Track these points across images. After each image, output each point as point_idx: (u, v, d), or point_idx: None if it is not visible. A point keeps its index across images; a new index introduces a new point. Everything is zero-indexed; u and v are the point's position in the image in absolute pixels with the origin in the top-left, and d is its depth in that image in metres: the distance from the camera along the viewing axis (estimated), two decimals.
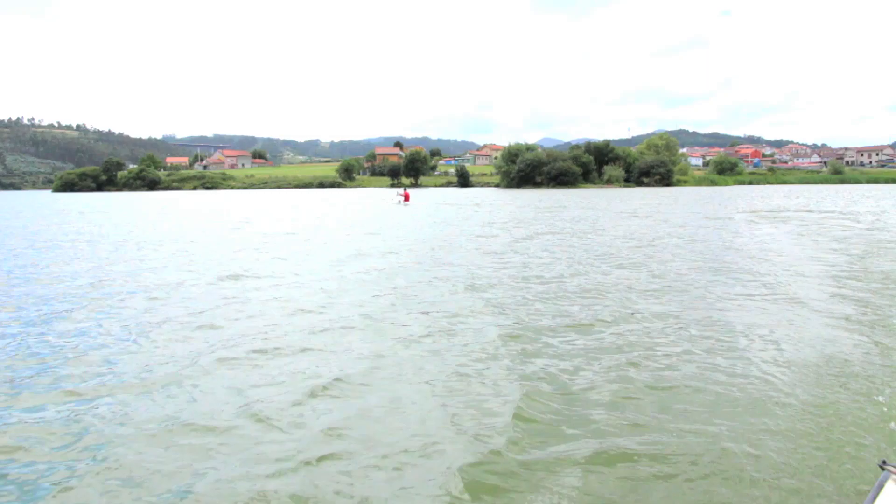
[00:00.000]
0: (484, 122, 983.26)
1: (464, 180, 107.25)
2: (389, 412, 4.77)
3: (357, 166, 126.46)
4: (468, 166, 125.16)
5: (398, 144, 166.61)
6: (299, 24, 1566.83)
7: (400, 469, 3.89)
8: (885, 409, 4.66)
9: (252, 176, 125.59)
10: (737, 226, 22.64)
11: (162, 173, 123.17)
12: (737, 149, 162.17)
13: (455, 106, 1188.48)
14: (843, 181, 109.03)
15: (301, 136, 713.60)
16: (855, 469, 3.80)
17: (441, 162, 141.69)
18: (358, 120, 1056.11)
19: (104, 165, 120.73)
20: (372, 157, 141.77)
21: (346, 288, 10.02)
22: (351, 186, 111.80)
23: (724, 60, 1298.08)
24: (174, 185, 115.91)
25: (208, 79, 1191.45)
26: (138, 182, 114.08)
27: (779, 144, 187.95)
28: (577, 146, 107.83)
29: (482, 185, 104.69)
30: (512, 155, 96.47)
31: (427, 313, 8.08)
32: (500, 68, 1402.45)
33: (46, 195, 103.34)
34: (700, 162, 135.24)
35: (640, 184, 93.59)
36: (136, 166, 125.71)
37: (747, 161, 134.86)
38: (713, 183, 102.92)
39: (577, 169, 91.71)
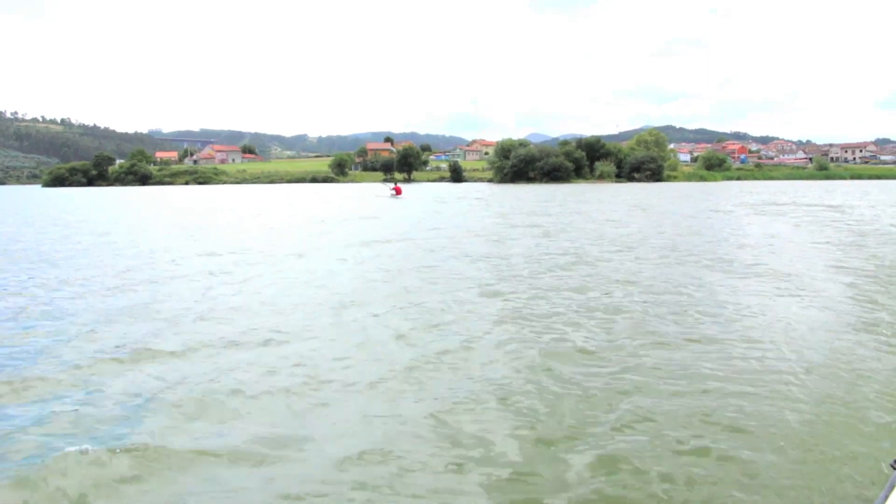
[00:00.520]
0: (472, 118, 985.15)
1: (457, 175, 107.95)
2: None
3: (349, 161, 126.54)
4: (459, 162, 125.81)
5: (389, 140, 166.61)
6: (287, 18, 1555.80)
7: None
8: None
9: (244, 171, 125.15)
10: (761, 219, 23.63)
11: (153, 168, 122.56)
12: (724, 145, 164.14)
13: (442, 102, 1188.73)
14: (828, 177, 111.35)
15: (288, 131, 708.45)
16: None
17: (431, 157, 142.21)
18: (345, 115, 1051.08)
19: (94, 160, 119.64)
20: (363, 152, 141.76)
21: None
22: (344, 181, 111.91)
23: (713, 58, 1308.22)
24: (166, 179, 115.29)
25: (192, 73, 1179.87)
26: (130, 177, 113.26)
27: (764, 141, 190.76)
28: (565, 142, 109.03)
29: (475, 181, 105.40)
30: (505, 150, 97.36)
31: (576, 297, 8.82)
32: (487, 65, 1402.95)
33: (35, 190, 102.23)
34: (688, 158, 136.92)
35: (631, 179, 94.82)
36: (126, 161, 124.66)
37: (734, 157, 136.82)
38: (702, 178, 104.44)
39: (569, 164, 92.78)
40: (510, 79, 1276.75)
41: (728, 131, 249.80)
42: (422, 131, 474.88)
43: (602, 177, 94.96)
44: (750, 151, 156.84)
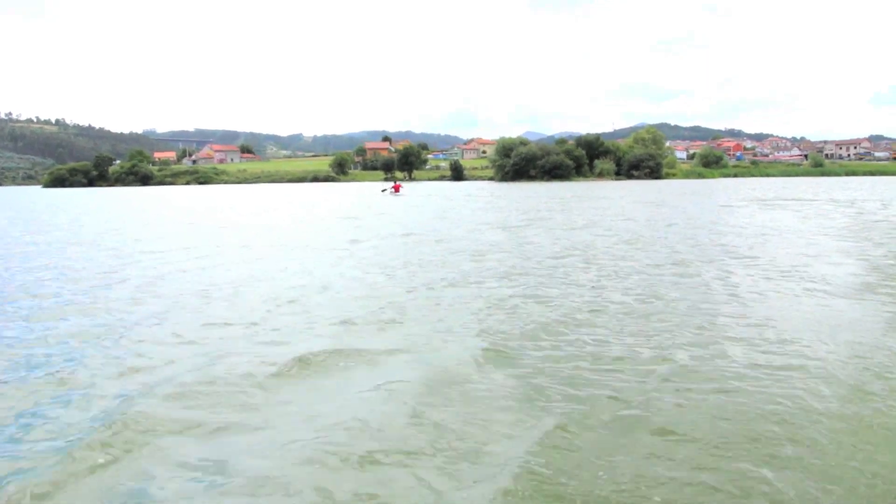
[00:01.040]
0: (466, 116, 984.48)
1: (458, 174, 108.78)
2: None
3: (349, 161, 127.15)
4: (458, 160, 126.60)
5: (386, 139, 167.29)
6: (280, 17, 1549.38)
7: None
8: None
9: (244, 170, 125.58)
10: (783, 214, 24.52)
11: (153, 168, 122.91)
12: (719, 142, 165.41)
13: (437, 101, 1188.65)
14: (823, 174, 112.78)
15: (283, 131, 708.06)
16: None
17: (429, 157, 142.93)
18: (340, 114, 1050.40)
19: (95, 160, 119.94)
20: (361, 151, 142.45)
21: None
22: (345, 181, 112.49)
23: (708, 56, 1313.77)
24: (167, 180, 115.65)
25: (185, 72, 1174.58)
26: (131, 177, 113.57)
27: (759, 138, 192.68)
28: (562, 140, 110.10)
29: (476, 179, 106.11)
30: (506, 149, 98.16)
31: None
32: (481, 64, 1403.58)
33: (36, 191, 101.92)
34: (684, 155, 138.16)
35: (630, 177, 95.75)
36: (126, 161, 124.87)
37: (730, 154, 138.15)
38: (701, 176, 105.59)
39: (570, 163, 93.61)
40: (505, 77, 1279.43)
41: (723, 128, 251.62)
42: (417, 130, 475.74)
43: (602, 175, 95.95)
44: (745, 149, 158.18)
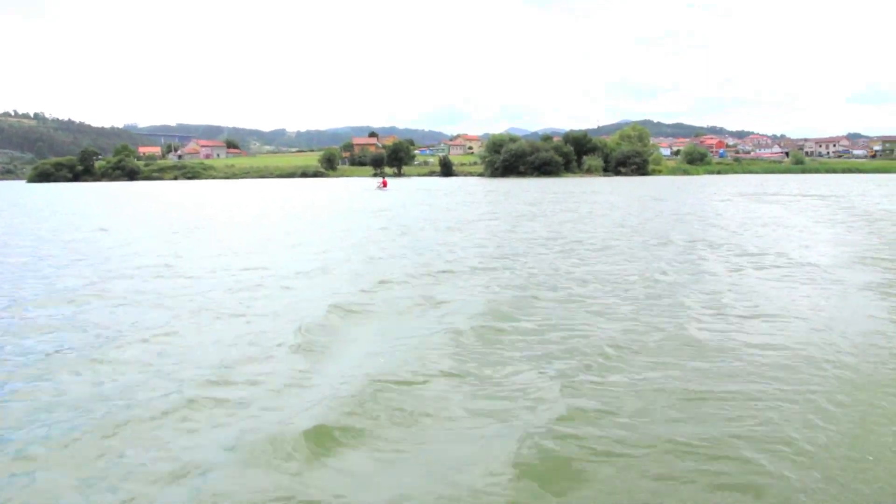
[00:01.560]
0: (449, 112, 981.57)
1: (447, 170, 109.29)
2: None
3: (337, 156, 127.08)
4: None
5: (373, 134, 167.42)
6: (260, 12, 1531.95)
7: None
8: None
9: (232, 166, 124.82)
10: (774, 208, 25.59)
11: (140, 163, 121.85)
12: (702, 139, 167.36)
13: (420, 96, 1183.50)
14: (804, 171, 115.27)
15: (266, 126, 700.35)
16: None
17: (416, 152, 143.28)
18: (323, 110, 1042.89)
19: (80, 155, 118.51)
20: (349, 146, 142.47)
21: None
22: (334, 176, 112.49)
23: (691, 54, 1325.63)
24: (154, 175, 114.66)
25: (168, 67, 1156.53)
26: (117, 172, 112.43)
27: (741, 135, 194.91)
28: (547, 136, 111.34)
29: (465, 175, 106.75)
30: (496, 145, 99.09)
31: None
32: (465, 60, 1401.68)
33: (20, 186, 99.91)
34: (668, 152, 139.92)
35: (617, 173, 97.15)
36: (112, 156, 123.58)
37: (713, 151, 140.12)
38: (686, 172, 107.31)
39: (559, 159, 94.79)
40: (489, 73, 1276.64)
41: (705, 125, 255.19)
42: (401, 126, 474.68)
43: (590, 171, 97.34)
44: (727, 146, 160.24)
